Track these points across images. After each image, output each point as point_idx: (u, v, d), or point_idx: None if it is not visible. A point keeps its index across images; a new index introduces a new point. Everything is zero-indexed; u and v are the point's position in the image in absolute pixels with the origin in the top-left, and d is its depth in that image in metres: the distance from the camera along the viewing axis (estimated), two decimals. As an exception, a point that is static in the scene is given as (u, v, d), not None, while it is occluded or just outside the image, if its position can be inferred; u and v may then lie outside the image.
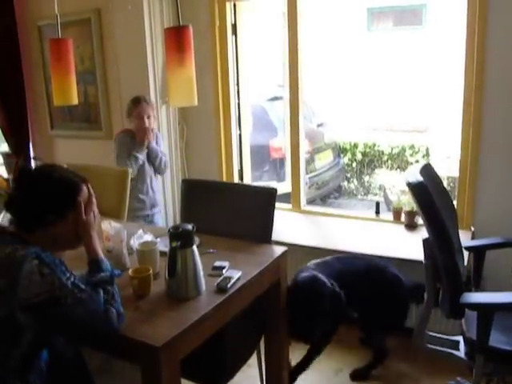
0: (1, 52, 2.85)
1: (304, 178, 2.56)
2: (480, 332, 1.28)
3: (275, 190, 1.68)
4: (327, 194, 4.38)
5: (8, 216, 1.14)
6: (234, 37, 2.50)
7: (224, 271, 1.36)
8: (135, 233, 1.52)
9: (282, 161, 3.75)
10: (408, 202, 2.22)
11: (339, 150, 4.70)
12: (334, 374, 1.88)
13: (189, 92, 1.25)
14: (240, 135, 2.64)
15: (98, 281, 1.09)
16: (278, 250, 1.53)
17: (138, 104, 2.20)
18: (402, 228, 2.19)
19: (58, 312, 1.00)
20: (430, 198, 1.31)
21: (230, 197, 1.75)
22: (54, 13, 1.73)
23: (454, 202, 1.80)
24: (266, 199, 1.67)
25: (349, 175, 4.83)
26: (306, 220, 2.41)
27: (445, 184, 1.64)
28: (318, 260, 1.74)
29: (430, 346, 1.49)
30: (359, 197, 4.72)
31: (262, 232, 1.64)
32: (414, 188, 1.33)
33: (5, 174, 3.03)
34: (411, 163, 4.56)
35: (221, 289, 1.27)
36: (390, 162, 4.84)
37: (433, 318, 1.52)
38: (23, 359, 1.02)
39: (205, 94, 2.42)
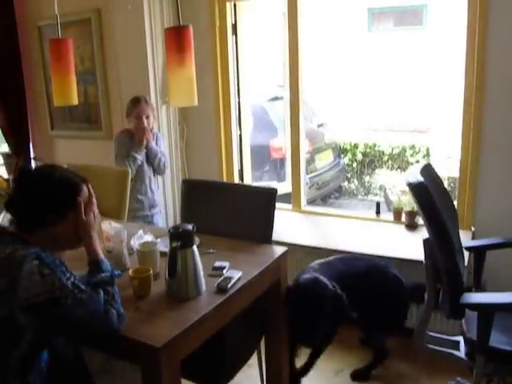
0: (1, 52, 2.85)
1: (304, 178, 2.56)
2: (480, 332, 1.28)
3: (275, 190, 1.68)
4: (328, 194, 4.37)
5: (8, 216, 1.14)
6: (234, 37, 2.50)
7: (224, 271, 1.36)
8: (135, 233, 1.52)
9: (282, 161, 3.75)
10: (408, 202, 2.21)
11: (339, 150, 4.69)
12: (334, 374, 1.88)
13: (189, 92, 1.25)
14: (240, 135, 2.64)
15: (98, 281, 1.09)
16: (279, 250, 1.53)
17: (137, 104, 2.20)
18: (402, 228, 2.19)
19: (58, 312, 1.00)
20: (430, 199, 1.30)
21: (231, 197, 1.75)
22: (53, 13, 1.74)
23: (455, 202, 1.80)
24: (266, 199, 1.67)
25: (349, 175, 4.83)
26: (307, 220, 2.41)
27: (445, 184, 1.64)
28: (321, 260, 1.73)
29: (430, 346, 1.49)
30: (360, 197, 4.72)
31: (263, 232, 1.63)
32: (415, 188, 1.33)
33: (5, 175, 3.03)
34: (412, 163, 4.56)
35: (221, 289, 1.27)
36: (390, 162, 4.84)
37: (433, 319, 1.52)
38: (23, 360, 1.02)
39: (205, 94, 2.42)
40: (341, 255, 1.80)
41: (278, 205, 1.72)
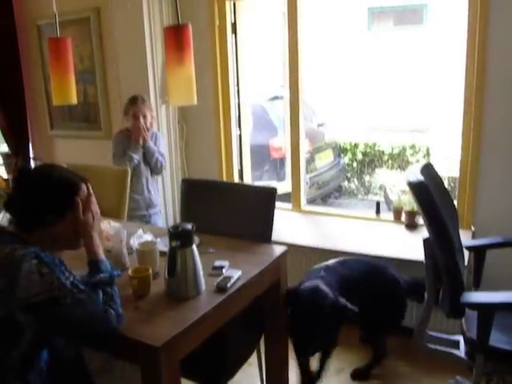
0: (0, 52, 2.85)
1: (304, 177, 2.56)
2: (480, 331, 1.28)
3: (275, 190, 1.67)
4: (328, 194, 4.37)
5: (7, 216, 1.13)
6: (233, 36, 2.49)
7: (224, 271, 1.36)
8: (135, 232, 1.52)
9: (282, 160, 3.75)
10: (408, 201, 2.21)
11: (340, 150, 4.69)
12: (334, 374, 1.88)
13: (188, 91, 1.25)
14: (240, 135, 2.63)
15: (97, 282, 1.09)
16: (278, 250, 1.53)
17: (134, 103, 2.20)
18: (402, 228, 2.18)
19: (57, 312, 1.00)
20: (430, 198, 1.30)
21: (230, 196, 1.75)
22: (52, 12, 1.73)
23: (455, 202, 1.80)
24: (266, 199, 1.66)
25: (349, 175, 4.83)
26: (307, 220, 2.41)
27: (445, 184, 1.64)
28: (323, 264, 1.72)
29: (430, 345, 1.49)
30: (360, 196, 4.72)
31: (262, 232, 1.63)
32: (415, 187, 1.33)
33: (4, 175, 3.03)
34: (412, 163, 4.56)
35: (220, 288, 1.27)
36: (390, 161, 4.84)
37: (433, 318, 1.51)
38: (23, 359, 1.02)
39: (205, 93, 2.42)
40: (342, 258, 1.79)
41: (277, 204, 1.71)
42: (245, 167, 2.68)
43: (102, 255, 1.15)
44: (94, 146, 2.79)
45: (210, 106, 2.53)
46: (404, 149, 4.78)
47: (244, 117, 2.63)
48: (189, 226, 1.25)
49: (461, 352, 1.44)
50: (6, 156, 3.08)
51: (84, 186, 1.14)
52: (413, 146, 4.74)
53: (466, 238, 1.78)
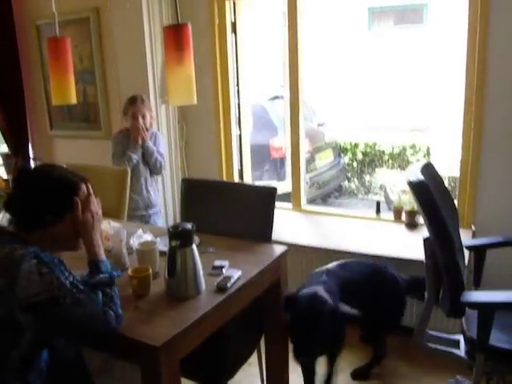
0: (-1, 52, 2.85)
1: (304, 177, 2.56)
2: (480, 331, 1.27)
3: (275, 189, 1.67)
4: (328, 194, 4.37)
5: (7, 216, 1.13)
6: (233, 35, 2.49)
7: (224, 270, 1.36)
8: (135, 232, 1.51)
9: (282, 160, 3.75)
10: (409, 201, 2.21)
11: (340, 150, 4.69)
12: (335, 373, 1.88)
13: (188, 90, 1.25)
14: (240, 134, 2.63)
15: (97, 282, 1.08)
16: (278, 250, 1.53)
17: (133, 103, 2.20)
18: (402, 227, 2.18)
19: (56, 312, 0.99)
20: (431, 197, 1.30)
21: (230, 196, 1.75)
22: (52, 11, 1.73)
23: (455, 202, 1.80)
24: (266, 198, 1.66)
25: (349, 175, 4.83)
26: (307, 219, 2.41)
27: (445, 184, 1.64)
28: (324, 268, 1.71)
29: (430, 344, 1.49)
30: (360, 196, 4.71)
31: (262, 231, 1.63)
32: (415, 187, 1.33)
33: (4, 175, 3.03)
34: (412, 163, 4.55)
35: (220, 288, 1.26)
36: (390, 161, 4.84)
37: (433, 317, 1.51)
38: (23, 359, 1.01)
39: (204, 93, 2.42)
40: (343, 261, 1.77)
41: (277, 204, 1.71)
42: (245, 167, 2.68)
43: (102, 255, 1.14)
44: (94, 146, 2.79)
45: (210, 105, 2.53)
46: (404, 148, 4.78)
47: (244, 116, 2.63)
48: (189, 226, 1.25)
49: (461, 351, 1.44)
50: (5, 156, 3.08)
51: (84, 186, 1.14)
52: (413, 146, 4.74)
53: (466, 238, 1.78)
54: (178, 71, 1.23)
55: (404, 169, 4.64)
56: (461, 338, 1.46)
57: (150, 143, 2.26)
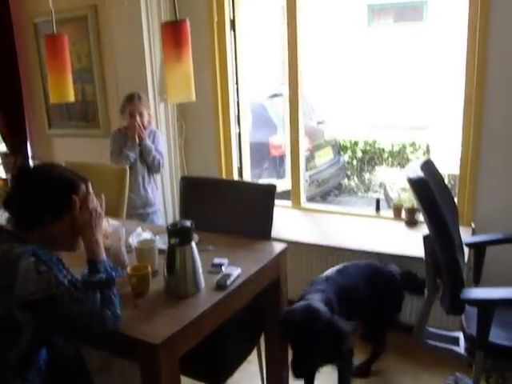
0: (-3, 50, 2.84)
1: (304, 175, 2.55)
2: (480, 328, 1.27)
3: (274, 187, 1.67)
4: (327, 192, 4.37)
5: (6, 215, 1.13)
6: (232, 32, 2.48)
7: (223, 268, 1.36)
8: (134, 230, 1.51)
9: (281, 158, 3.74)
10: (408, 198, 2.21)
11: (339, 148, 4.68)
12: (333, 372, 1.88)
13: (186, 87, 1.24)
14: (239, 132, 2.62)
15: (96, 282, 1.08)
16: (278, 247, 1.53)
17: (130, 101, 2.20)
18: (402, 225, 2.18)
19: (54, 310, 0.99)
20: (431, 194, 1.30)
21: (230, 194, 1.75)
22: (49, 9, 1.72)
23: (455, 199, 1.79)
24: (265, 196, 1.66)
25: (349, 173, 4.82)
26: (306, 217, 2.41)
27: (445, 181, 1.63)
28: (323, 275, 1.68)
29: (430, 342, 1.49)
30: (359, 194, 4.71)
31: (262, 229, 1.63)
32: (415, 184, 1.32)
33: (3, 174, 3.02)
34: (412, 160, 4.55)
35: (220, 286, 1.26)
36: (390, 159, 4.83)
37: (433, 314, 1.51)
38: (22, 358, 1.01)
39: (203, 90, 2.41)
40: (341, 265, 1.75)
41: (277, 202, 1.71)
42: (244, 165, 2.67)
43: (101, 255, 1.13)
44: (93, 145, 2.79)
45: (209, 103, 2.52)
46: (404, 146, 4.77)
47: (243, 114, 2.62)
48: (188, 224, 1.24)
49: (460, 348, 1.44)
50: (4, 155, 3.07)
51: (83, 186, 1.14)
52: (413, 144, 4.73)
53: (465, 235, 1.78)
54: (176, 68, 1.23)
55: (404, 167, 4.63)
56: (460, 335, 1.46)
57: (148, 141, 2.26)
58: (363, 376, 1.85)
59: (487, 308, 1.26)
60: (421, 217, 2.11)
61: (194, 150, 2.66)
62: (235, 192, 1.75)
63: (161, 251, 1.36)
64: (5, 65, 2.88)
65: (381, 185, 4.61)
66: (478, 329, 1.28)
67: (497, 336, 1.30)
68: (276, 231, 1.72)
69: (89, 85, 2.75)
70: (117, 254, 1.39)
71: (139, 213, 2.30)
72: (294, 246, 2.00)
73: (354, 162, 4.88)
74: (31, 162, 3.05)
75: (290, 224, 2.29)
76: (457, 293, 1.30)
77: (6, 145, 3.06)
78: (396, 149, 4.81)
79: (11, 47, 2.89)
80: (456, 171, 2.14)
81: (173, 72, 1.23)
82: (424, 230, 1.44)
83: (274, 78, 3.95)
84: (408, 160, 4.65)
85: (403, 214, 2.21)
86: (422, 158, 1.55)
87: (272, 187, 1.67)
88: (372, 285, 1.69)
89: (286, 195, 2.53)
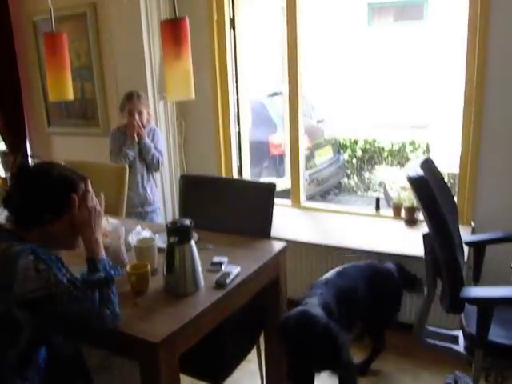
0: (-4, 48, 2.83)
1: (303, 173, 2.55)
2: (480, 326, 1.27)
3: (274, 185, 1.67)
4: (327, 191, 4.37)
5: (5, 213, 1.12)
6: (232, 31, 2.47)
7: (223, 267, 1.35)
8: (133, 229, 1.51)
9: (281, 157, 3.74)
10: (408, 198, 2.21)
11: (339, 147, 4.68)
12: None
13: (186, 85, 1.24)
14: (239, 131, 2.62)
15: (95, 281, 1.07)
16: (278, 246, 1.53)
17: (129, 100, 2.20)
18: (402, 224, 2.18)
19: (53, 309, 0.99)
20: (430, 193, 1.29)
21: (229, 192, 1.74)
22: (48, 7, 1.71)
23: (455, 198, 1.79)
24: (265, 194, 1.66)
25: (349, 172, 4.82)
26: (306, 216, 2.40)
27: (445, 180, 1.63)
28: (323, 278, 1.65)
29: (429, 340, 1.49)
30: (359, 193, 4.71)
31: (262, 227, 1.63)
32: (415, 182, 1.32)
33: (2, 173, 3.02)
34: (411, 159, 4.54)
35: (219, 284, 1.26)
36: (390, 158, 4.82)
37: (432, 313, 1.51)
38: (21, 357, 1.01)
39: (203, 89, 2.40)
40: (340, 268, 1.72)
41: (277, 201, 1.71)
42: (244, 164, 2.67)
43: (100, 253, 1.12)
44: (92, 143, 2.78)
45: (209, 102, 2.51)
46: (404, 145, 4.77)
47: (243, 113, 2.62)
48: (187, 222, 1.24)
49: (460, 347, 1.44)
50: (3, 154, 3.07)
51: (82, 184, 1.13)
52: (412, 143, 4.72)
53: (465, 234, 1.78)
54: (175, 66, 1.22)
55: (403, 166, 4.63)
56: (460, 333, 1.46)
57: (147, 140, 2.25)
58: (362, 374, 1.85)
59: (487, 307, 1.26)
60: (420, 216, 2.11)
61: (194, 149, 2.66)
62: (235, 190, 1.75)
63: (160, 250, 1.36)
64: (4, 63, 2.87)
65: (380, 184, 4.61)
66: (477, 327, 1.28)
67: (496, 335, 1.30)
68: (276, 230, 1.72)
69: (88, 83, 2.75)
70: (116, 253, 1.39)
71: (138, 211, 2.29)
72: (293, 245, 2.00)
73: (354, 161, 4.88)
74: (30, 161, 3.04)
75: (289, 223, 2.29)
76: (456, 291, 1.30)
77: (5, 143, 3.05)
78: (396, 148, 4.80)
79: (10, 45, 2.88)
80: (456, 170, 2.14)
81: (172, 70, 1.23)
82: (423, 229, 1.44)
83: (273, 76, 3.94)
84: (408, 159, 4.65)
85: (403, 213, 2.21)
86: (422, 157, 1.54)
87: (272, 186, 1.66)
88: (372, 285, 1.68)
89: (285, 194, 2.53)
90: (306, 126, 2.63)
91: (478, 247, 1.59)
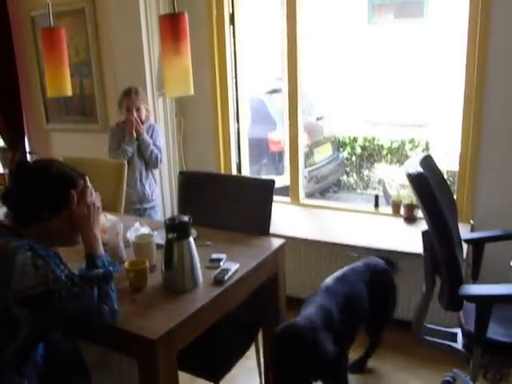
0: (-6, 44, 2.81)
1: (303, 170, 2.54)
2: (478, 324, 1.27)
3: (273, 182, 1.66)
4: (326, 188, 4.36)
5: (4, 209, 1.12)
6: (231, 27, 2.46)
7: (221, 263, 1.35)
8: (132, 225, 1.50)
9: (280, 154, 3.73)
10: (407, 195, 2.20)
11: (338, 144, 4.67)
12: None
13: (185, 81, 1.23)
14: (238, 128, 2.61)
15: (94, 277, 1.07)
16: (276, 243, 1.53)
17: (127, 96, 2.19)
18: (401, 221, 2.18)
19: (51, 305, 0.99)
20: (430, 190, 1.29)
21: (228, 189, 1.74)
22: (46, 2, 1.70)
23: (454, 196, 1.79)
24: (264, 191, 1.65)
25: (348, 169, 4.82)
26: (305, 213, 2.40)
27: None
28: (323, 285, 1.61)
29: (428, 337, 1.49)
30: (358, 191, 4.71)
31: (260, 224, 1.62)
32: (414, 179, 1.31)
33: (0, 169, 3.01)
34: (411, 157, 4.53)
35: (218, 281, 1.26)
36: (389, 156, 4.82)
37: (431, 311, 1.51)
38: (19, 353, 1.01)
39: (202, 85, 2.39)
40: (340, 272, 1.68)
41: (276, 198, 1.70)
42: (243, 161, 2.66)
43: (99, 250, 1.12)
44: (91, 140, 2.77)
45: (208, 98, 2.50)
46: (403, 143, 4.76)
47: (242, 110, 2.61)
48: (185, 219, 1.24)
49: (458, 344, 1.44)
50: (1, 150, 3.06)
51: (81, 181, 1.13)
52: (412, 141, 4.72)
53: (464, 231, 1.78)
54: (174, 61, 1.22)
55: (403, 163, 4.63)
56: (458, 331, 1.47)
57: (145, 136, 2.24)
58: (359, 371, 1.85)
59: (485, 304, 1.26)
60: (419, 213, 2.11)
61: (193, 146, 2.65)
62: (234, 187, 1.74)
63: (159, 246, 1.36)
64: (2, 59, 2.85)
65: (380, 181, 4.61)
66: (476, 325, 1.28)
67: (495, 332, 1.31)
68: (274, 227, 1.72)
69: (87, 79, 2.73)
70: (115, 249, 1.39)
71: (136, 208, 2.29)
72: (292, 242, 2.00)
73: (353, 159, 4.87)
74: (29, 157, 3.03)
75: (288, 220, 2.28)
76: (455, 289, 1.30)
77: (4, 139, 3.04)
78: (395, 145, 4.80)
79: (8, 41, 2.86)
80: (455, 168, 2.14)
81: (171, 65, 1.22)
82: (422, 226, 1.44)
83: (273, 73, 3.93)
84: (407, 157, 4.64)
85: (402, 211, 2.21)
86: (422, 154, 1.53)
87: (271, 182, 1.66)
88: (371, 286, 1.67)
89: (284, 191, 2.52)
90: (305, 123, 2.62)
91: (477, 245, 1.59)
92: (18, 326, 0.97)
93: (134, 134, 2.20)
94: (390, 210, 2.28)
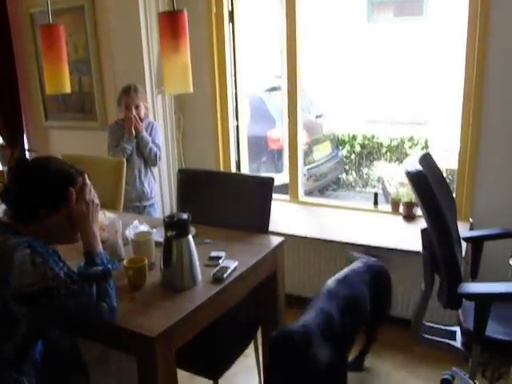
0: (-7, 41, 2.80)
1: (302, 168, 2.54)
2: (477, 322, 1.28)
3: (272, 180, 1.66)
4: (325, 186, 4.36)
5: (3, 207, 1.12)
6: (231, 24, 2.45)
7: (220, 261, 1.35)
8: (130, 223, 1.50)
9: (279, 152, 3.73)
10: (407, 193, 2.20)
11: (338, 142, 4.67)
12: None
13: (184, 78, 1.22)
14: (237, 126, 2.61)
15: (92, 274, 1.07)
16: (275, 241, 1.52)
17: (126, 94, 2.18)
18: (400, 219, 2.18)
19: (50, 303, 0.98)
20: (429, 188, 1.29)
21: (227, 186, 1.74)
22: (45, -2, 1.69)
23: (453, 194, 1.79)
24: (263, 189, 1.65)
25: (347, 167, 4.82)
26: (304, 211, 2.40)
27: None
28: (324, 289, 1.58)
29: (426, 336, 1.49)
30: (357, 189, 4.71)
31: (259, 222, 1.62)
32: (413, 177, 1.31)
33: (-1, 166, 3.00)
34: (410, 155, 4.54)
35: (217, 279, 1.26)
36: (388, 154, 4.82)
37: (430, 309, 1.52)
38: (17, 351, 1.01)
39: (201, 83, 2.39)
40: (342, 274, 1.66)
41: (275, 196, 1.70)
42: (242, 159, 2.66)
43: (98, 247, 1.12)
44: (90, 137, 2.76)
45: (207, 96, 2.50)
46: (402, 141, 4.76)
47: (241, 107, 2.60)
48: (184, 216, 1.24)
49: (457, 343, 1.44)
50: (0, 148, 3.05)
51: (80, 178, 1.12)
52: (411, 139, 4.72)
53: (463, 230, 1.78)
54: (173, 59, 1.21)
55: (402, 162, 4.63)
56: (457, 329, 1.47)
57: (144, 134, 2.24)
58: (357, 370, 1.85)
59: (484, 302, 1.26)
60: (418, 211, 2.11)
61: (192, 143, 2.64)
62: (233, 185, 1.74)
63: (157, 244, 1.36)
64: (1, 56, 2.84)
65: (379, 179, 4.61)
66: (474, 323, 1.29)
67: (493, 330, 1.31)
68: (274, 225, 1.72)
69: (86, 76, 2.72)
70: (113, 247, 1.39)
71: (135, 206, 2.29)
72: (291, 240, 2.00)
73: (353, 157, 4.87)
74: (28, 155, 3.03)
75: (287, 218, 2.28)
76: (454, 287, 1.30)
77: (3, 137, 3.04)
78: (394, 143, 4.80)
79: (7, 38, 2.85)
80: (454, 166, 2.14)
81: (170, 63, 1.22)
82: (422, 224, 1.44)
83: (272, 71, 3.92)
84: (406, 155, 4.64)
85: (401, 209, 2.21)
86: (421, 152, 1.53)
87: (270, 180, 1.66)
88: (372, 287, 1.67)
89: (283, 189, 2.52)
90: (304, 121, 2.62)
91: (476, 243, 1.59)
92: (17, 324, 0.97)
93: (133, 132, 2.20)
94: (389, 208, 2.28)
